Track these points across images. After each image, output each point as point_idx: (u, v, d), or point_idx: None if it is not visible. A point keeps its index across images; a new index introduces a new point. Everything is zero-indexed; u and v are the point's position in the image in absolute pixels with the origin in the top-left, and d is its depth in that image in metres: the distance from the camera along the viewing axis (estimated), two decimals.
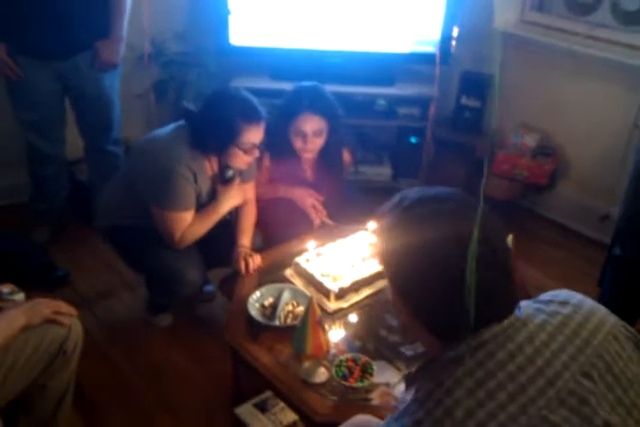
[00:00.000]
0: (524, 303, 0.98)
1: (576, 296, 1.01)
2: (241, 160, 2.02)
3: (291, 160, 2.33)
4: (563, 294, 1.03)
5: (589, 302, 1.00)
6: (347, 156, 2.47)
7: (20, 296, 1.66)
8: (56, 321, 1.58)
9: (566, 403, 0.86)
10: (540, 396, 0.86)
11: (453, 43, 3.03)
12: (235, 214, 2.22)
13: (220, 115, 1.94)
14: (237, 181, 2.14)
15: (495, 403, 0.84)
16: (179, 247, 2.04)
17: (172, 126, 2.04)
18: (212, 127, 1.94)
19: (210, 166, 2.07)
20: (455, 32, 3.00)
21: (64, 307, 1.63)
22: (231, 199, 2.12)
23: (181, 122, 2.05)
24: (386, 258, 0.98)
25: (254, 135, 1.97)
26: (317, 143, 2.27)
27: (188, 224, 2.01)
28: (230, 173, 2.13)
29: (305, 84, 2.31)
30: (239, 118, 1.92)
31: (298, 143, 2.26)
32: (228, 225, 2.19)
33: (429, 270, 0.90)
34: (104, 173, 2.72)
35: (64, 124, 2.65)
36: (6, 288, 1.66)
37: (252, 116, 1.94)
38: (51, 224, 2.83)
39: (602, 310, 0.99)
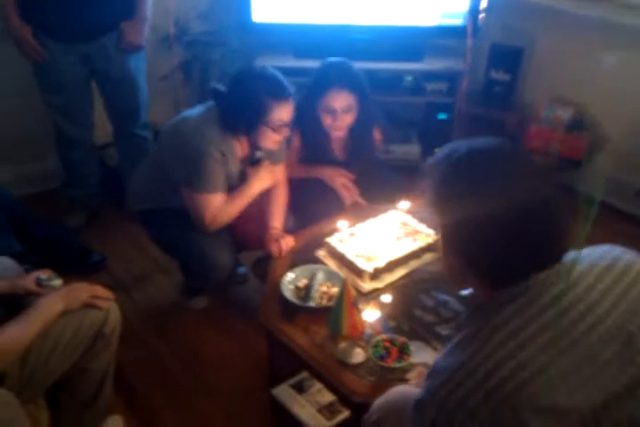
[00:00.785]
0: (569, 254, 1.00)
1: (616, 250, 1.05)
2: (271, 139, 1.99)
3: (320, 139, 2.31)
4: (603, 248, 1.06)
5: (629, 256, 1.04)
6: (377, 134, 2.43)
7: (58, 282, 1.68)
8: (94, 305, 1.60)
9: (616, 339, 0.91)
10: (592, 330, 0.91)
11: (481, 15, 2.94)
12: (266, 197, 2.20)
13: (248, 93, 1.91)
14: (267, 162, 2.12)
15: (544, 338, 0.89)
16: (209, 230, 2.04)
17: (200, 108, 2.02)
18: (241, 107, 1.91)
19: (240, 148, 2.05)
20: (483, 3, 2.92)
21: (101, 291, 1.65)
22: (261, 181, 2.10)
23: (210, 103, 2.03)
24: (439, 208, 1.00)
25: (283, 113, 1.94)
26: (347, 120, 2.23)
27: (219, 206, 2.01)
28: (259, 154, 2.11)
29: (332, 59, 2.26)
30: (267, 96, 1.89)
31: (327, 121, 2.22)
32: (258, 208, 2.18)
33: (485, 218, 0.92)
34: (134, 157, 2.74)
35: (92, 108, 2.66)
36: (44, 274, 1.68)
37: (279, 93, 1.91)
38: (84, 210, 2.86)
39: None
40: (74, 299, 1.57)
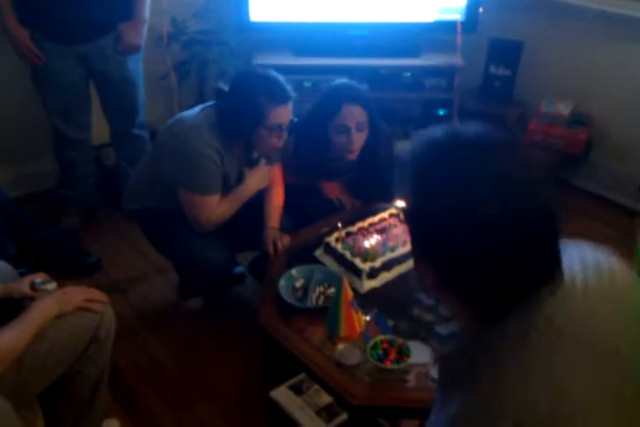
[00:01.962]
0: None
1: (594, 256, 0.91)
2: (268, 143, 1.96)
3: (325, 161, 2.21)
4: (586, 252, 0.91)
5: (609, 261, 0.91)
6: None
7: (53, 285, 1.68)
8: (88, 309, 1.59)
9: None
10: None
11: (480, 9, 2.91)
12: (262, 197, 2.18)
13: (246, 95, 1.88)
14: (263, 162, 2.11)
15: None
16: (205, 230, 2.03)
17: (198, 108, 2.00)
18: (238, 108, 1.89)
19: (237, 149, 2.03)
20: None
21: (96, 294, 1.64)
22: (257, 181, 2.09)
23: (208, 103, 2.01)
24: (413, 213, 0.83)
25: (281, 116, 1.91)
26: (362, 140, 2.12)
27: (215, 207, 1.99)
28: (256, 154, 2.09)
29: (339, 81, 2.18)
30: (265, 99, 1.87)
31: (341, 142, 2.09)
32: (256, 208, 2.16)
33: (463, 231, 0.75)
34: (131, 157, 2.72)
35: (89, 109, 2.64)
36: (39, 278, 1.67)
37: (278, 96, 1.89)
38: (80, 210, 2.85)
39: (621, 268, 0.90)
40: (68, 302, 1.56)
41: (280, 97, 1.89)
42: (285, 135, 1.97)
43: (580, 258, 0.88)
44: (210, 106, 2.00)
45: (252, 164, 2.10)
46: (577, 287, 0.82)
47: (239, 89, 1.92)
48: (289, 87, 1.92)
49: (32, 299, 1.58)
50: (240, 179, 2.08)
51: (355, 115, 2.07)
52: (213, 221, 2.02)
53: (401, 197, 0.87)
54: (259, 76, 1.92)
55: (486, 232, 0.74)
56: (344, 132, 2.08)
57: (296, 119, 1.98)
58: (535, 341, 0.75)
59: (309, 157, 2.18)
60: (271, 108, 1.88)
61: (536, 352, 0.74)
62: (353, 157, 2.14)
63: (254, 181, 2.08)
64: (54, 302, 1.54)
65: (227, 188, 2.04)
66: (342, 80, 2.19)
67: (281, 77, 1.93)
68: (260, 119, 1.89)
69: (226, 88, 1.96)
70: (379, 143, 2.20)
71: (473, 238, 0.75)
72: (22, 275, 1.76)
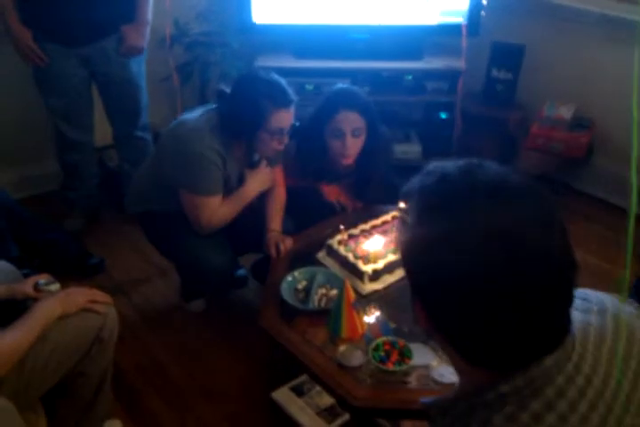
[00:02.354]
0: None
1: (599, 298, 0.88)
2: (269, 146, 1.97)
3: (322, 165, 2.22)
4: (592, 299, 0.87)
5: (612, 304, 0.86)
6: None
7: (56, 286, 1.68)
8: (91, 310, 1.60)
9: None
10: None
11: (482, 13, 2.92)
12: (263, 199, 2.19)
13: (248, 98, 1.89)
14: (264, 164, 2.11)
15: None
16: (206, 232, 2.03)
17: (199, 110, 2.01)
18: (240, 110, 1.90)
19: (239, 151, 2.04)
20: (484, 0, 2.90)
21: (99, 295, 1.64)
22: (258, 183, 2.09)
23: (210, 105, 2.02)
24: (408, 256, 0.75)
25: (282, 120, 1.91)
26: (357, 146, 2.12)
27: (216, 208, 2.00)
28: (257, 156, 2.10)
29: (340, 86, 2.21)
30: (266, 102, 1.87)
31: (336, 147, 2.11)
32: (257, 211, 2.16)
33: (464, 287, 0.68)
34: (134, 159, 2.73)
35: (92, 111, 2.65)
36: (42, 279, 1.68)
37: (279, 99, 1.89)
38: (83, 212, 2.85)
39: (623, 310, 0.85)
40: (71, 303, 1.57)
41: (282, 101, 1.89)
42: (287, 139, 1.98)
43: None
44: (212, 109, 2.00)
45: (254, 166, 2.11)
46: (587, 354, 0.77)
47: (241, 92, 1.92)
48: (291, 91, 1.92)
49: (35, 300, 1.59)
50: (241, 181, 2.09)
51: (350, 120, 2.07)
52: (215, 223, 2.02)
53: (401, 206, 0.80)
54: (261, 80, 1.92)
55: (487, 291, 0.68)
56: (339, 137, 2.09)
57: (298, 123, 1.98)
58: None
59: (309, 159, 2.19)
60: (273, 112, 1.88)
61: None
62: (348, 162, 2.15)
63: (255, 183, 2.09)
64: (57, 302, 1.54)
65: (228, 190, 2.04)
66: (344, 85, 2.19)
67: (283, 81, 1.93)
68: (262, 122, 1.89)
69: (228, 91, 1.96)
70: (378, 149, 2.20)
71: (468, 296, 0.69)
72: (26, 276, 1.77)
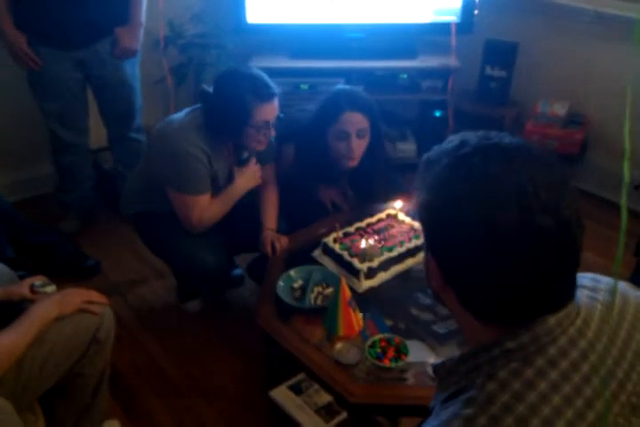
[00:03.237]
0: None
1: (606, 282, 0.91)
2: (256, 140, 1.96)
3: (324, 168, 2.20)
4: (602, 280, 0.91)
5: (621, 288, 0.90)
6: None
7: (52, 288, 1.68)
8: (88, 310, 1.60)
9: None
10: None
11: (475, 11, 2.93)
12: (257, 198, 2.19)
13: (231, 95, 1.88)
14: (253, 161, 2.11)
15: (560, 396, 0.74)
16: (198, 230, 2.03)
17: (187, 110, 2.02)
18: (224, 107, 1.89)
19: (226, 148, 2.04)
20: None
21: (95, 296, 1.64)
22: (247, 181, 2.08)
23: (196, 105, 2.02)
24: (428, 215, 0.80)
25: (267, 113, 1.90)
26: (362, 147, 2.10)
27: (205, 207, 2.00)
28: (245, 154, 2.10)
29: (342, 86, 2.19)
30: (250, 97, 1.86)
31: (341, 149, 2.07)
32: (251, 210, 2.17)
33: (482, 241, 0.73)
34: (129, 160, 2.73)
35: (87, 113, 2.65)
36: (38, 280, 1.67)
37: (263, 93, 1.88)
38: (78, 214, 2.85)
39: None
40: (68, 304, 1.56)
41: (265, 94, 1.89)
42: (273, 131, 1.97)
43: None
44: (197, 108, 2.00)
45: (242, 163, 2.10)
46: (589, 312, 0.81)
47: (224, 89, 1.91)
48: (273, 84, 1.91)
49: (31, 301, 1.58)
50: (230, 179, 2.08)
51: (355, 121, 2.04)
52: (206, 221, 2.02)
53: (414, 191, 0.84)
54: (243, 75, 1.91)
55: (502, 244, 0.72)
56: (344, 139, 2.06)
57: (282, 115, 1.97)
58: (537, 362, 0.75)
59: (310, 162, 2.17)
60: (257, 106, 1.87)
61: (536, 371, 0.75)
62: (353, 164, 2.11)
63: (243, 180, 2.08)
64: (54, 304, 1.54)
65: (216, 188, 2.04)
66: (344, 86, 2.17)
67: (264, 75, 1.93)
68: (247, 118, 1.88)
69: (210, 90, 1.96)
70: (379, 147, 2.19)
71: (486, 249, 0.73)
72: (22, 278, 1.76)
